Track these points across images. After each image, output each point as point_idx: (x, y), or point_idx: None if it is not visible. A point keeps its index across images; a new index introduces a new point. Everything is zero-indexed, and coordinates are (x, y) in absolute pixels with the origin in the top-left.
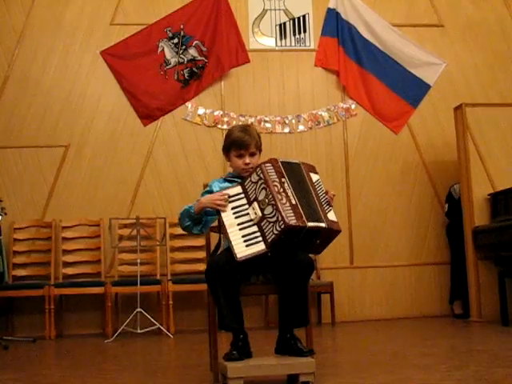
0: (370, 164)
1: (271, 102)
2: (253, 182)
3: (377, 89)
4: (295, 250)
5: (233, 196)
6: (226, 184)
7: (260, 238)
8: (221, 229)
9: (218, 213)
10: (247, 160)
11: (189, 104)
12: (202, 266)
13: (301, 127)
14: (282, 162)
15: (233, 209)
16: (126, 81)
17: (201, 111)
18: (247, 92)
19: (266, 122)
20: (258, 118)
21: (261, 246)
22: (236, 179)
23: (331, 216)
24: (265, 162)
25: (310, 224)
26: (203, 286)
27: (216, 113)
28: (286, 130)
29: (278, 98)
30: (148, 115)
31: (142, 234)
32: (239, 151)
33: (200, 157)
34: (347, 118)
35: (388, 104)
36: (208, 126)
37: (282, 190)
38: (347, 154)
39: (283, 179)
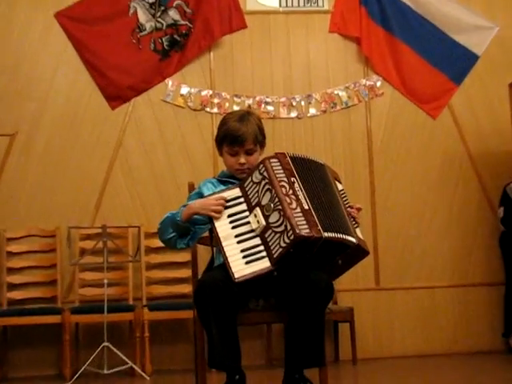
0: (400, 157)
1: (274, 78)
2: (254, 183)
3: (409, 61)
4: (308, 267)
5: (230, 200)
6: (221, 187)
7: (264, 253)
8: (213, 241)
9: (210, 221)
10: (242, 159)
11: (169, 81)
12: (187, 288)
13: (312, 110)
14: (292, 158)
15: (229, 216)
16: (89, 51)
17: (184, 90)
18: (243, 66)
19: (267, 104)
20: (258, 98)
21: (264, 263)
22: (231, 180)
23: (359, 233)
24: (269, 157)
25: (328, 235)
26: (188, 314)
27: (204, 93)
28: (293, 114)
29: (282, 73)
30: (117, 96)
31: (109, 248)
32: (232, 147)
33: (184, 148)
34: (371, 99)
35: (424, 80)
36: (194, 110)
37: (291, 191)
38: (371, 144)
39: (293, 178)
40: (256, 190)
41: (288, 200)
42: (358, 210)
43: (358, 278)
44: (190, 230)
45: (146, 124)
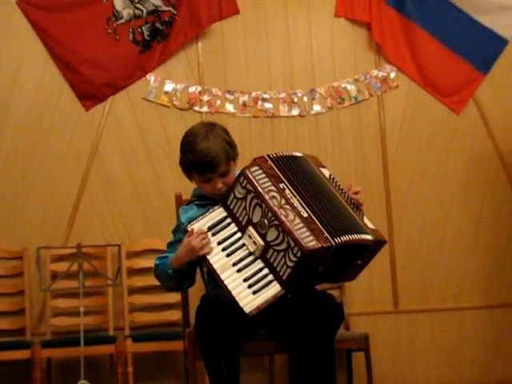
0: (419, 160)
1: (272, 71)
2: (239, 199)
3: (428, 48)
4: (323, 282)
5: (215, 225)
6: (201, 210)
7: (271, 276)
8: (206, 276)
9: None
10: (218, 185)
11: (151, 77)
12: (176, 315)
13: (316, 107)
14: (274, 160)
15: (220, 243)
16: (58, 44)
17: (169, 87)
18: (236, 58)
19: (265, 100)
20: (254, 95)
21: (275, 288)
22: (211, 201)
23: (368, 223)
24: (249, 166)
25: (342, 239)
26: (178, 344)
27: (191, 89)
28: (295, 111)
29: (281, 65)
30: (91, 94)
31: (86, 270)
32: (204, 175)
33: (170, 154)
34: (384, 93)
35: (445, 70)
36: (180, 109)
37: (283, 201)
38: (385, 145)
39: (282, 185)
40: (243, 206)
41: (283, 212)
42: (357, 193)
43: (374, 300)
44: (188, 272)
45: (126, 126)
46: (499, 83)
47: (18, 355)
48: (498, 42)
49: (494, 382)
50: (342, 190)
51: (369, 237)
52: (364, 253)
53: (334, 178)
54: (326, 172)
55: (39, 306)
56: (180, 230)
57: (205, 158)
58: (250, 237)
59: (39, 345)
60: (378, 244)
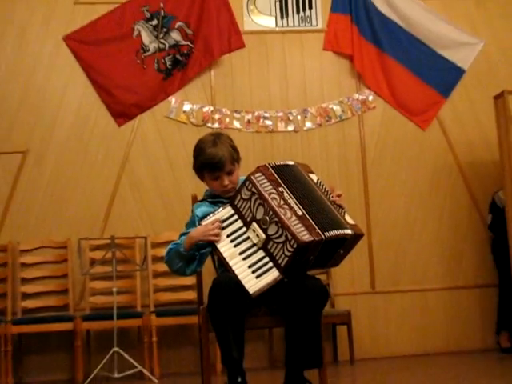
0: (392, 167)
1: (272, 94)
2: (244, 199)
3: (399, 76)
4: (312, 268)
5: (224, 220)
6: (213, 208)
7: (270, 264)
8: (216, 263)
9: (211, 246)
10: (225, 182)
11: (172, 99)
12: (192, 295)
13: (308, 124)
14: (273, 168)
15: (228, 236)
16: (96, 72)
17: (187, 107)
18: (242, 83)
19: (265, 118)
20: (256, 114)
21: (274, 273)
22: (221, 199)
23: (349, 219)
24: (253, 173)
25: (330, 234)
26: (194, 319)
27: (205, 109)
28: (290, 127)
29: (279, 89)
30: (123, 113)
31: (118, 257)
32: (213, 173)
33: (187, 162)
34: (364, 112)
35: (413, 94)
36: (196, 126)
37: (282, 202)
38: (364, 155)
39: (280, 188)
40: (248, 205)
41: (282, 211)
42: (339, 196)
43: (355, 283)
44: (195, 256)
45: (151, 140)
46: (457, 105)
47: (63, 327)
48: (457, 72)
49: (453, 350)
50: (327, 192)
51: (349, 231)
52: (345, 244)
53: (321, 182)
54: (314, 177)
55: (80, 286)
56: (192, 224)
57: (213, 158)
58: (253, 231)
59: (80, 318)
60: (357, 237)
